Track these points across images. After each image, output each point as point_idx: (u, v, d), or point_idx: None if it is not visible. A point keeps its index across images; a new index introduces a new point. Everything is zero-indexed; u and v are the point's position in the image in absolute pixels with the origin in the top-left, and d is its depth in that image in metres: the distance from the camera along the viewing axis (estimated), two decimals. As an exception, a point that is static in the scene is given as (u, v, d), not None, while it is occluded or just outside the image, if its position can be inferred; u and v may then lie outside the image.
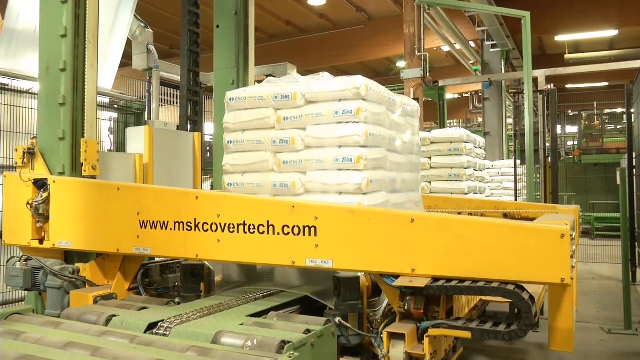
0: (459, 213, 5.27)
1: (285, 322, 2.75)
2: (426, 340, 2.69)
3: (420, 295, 2.77)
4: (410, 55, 11.43)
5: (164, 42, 17.27)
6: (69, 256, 3.79)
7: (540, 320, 5.72)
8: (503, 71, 16.04)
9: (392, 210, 3.00)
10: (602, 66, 13.96)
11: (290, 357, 2.18)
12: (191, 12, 6.29)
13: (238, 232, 3.12)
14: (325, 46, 18.19)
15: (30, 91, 5.51)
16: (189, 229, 3.25)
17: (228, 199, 3.27)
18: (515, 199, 10.21)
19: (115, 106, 6.54)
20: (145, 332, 2.67)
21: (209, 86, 9.98)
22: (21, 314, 2.97)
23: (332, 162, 3.65)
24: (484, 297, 3.66)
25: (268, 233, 3.05)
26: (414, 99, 8.34)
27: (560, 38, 17.22)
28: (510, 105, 17.78)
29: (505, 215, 5.21)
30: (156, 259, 3.97)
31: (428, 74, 11.53)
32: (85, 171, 3.79)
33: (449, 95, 21.25)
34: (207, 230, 3.20)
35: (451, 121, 27.07)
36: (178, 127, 6.26)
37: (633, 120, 9.05)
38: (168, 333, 2.61)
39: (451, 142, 7.94)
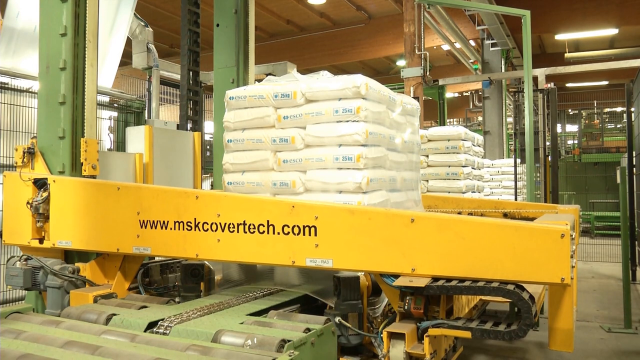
0: (459, 213, 5.27)
1: (285, 320, 2.76)
2: (426, 340, 2.69)
3: (420, 295, 2.77)
4: (410, 54, 11.41)
5: (163, 40, 17.27)
6: (69, 256, 3.79)
7: (540, 319, 5.73)
8: (503, 70, 16.03)
9: (392, 210, 3.00)
10: (602, 65, 13.94)
11: (290, 355, 2.18)
12: (191, 11, 6.28)
13: (238, 231, 3.12)
14: (325, 45, 18.18)
15: (30, 90, 5.51)
16: (189, 228, 3.25)
17: (228, 198, 3.27)
18: (515, 198, 10.22)
19: (115, 105, 6.54)
20: (145, 330, 2.67)
21: (209, 85, 9.98)
22: (21, 312, 2.97)
23: (332, 160, 3.65)
24: (484, 297, 3.67)
25: (268, 233, 3.05)
26: (414, 97, 8.34)
27: (560, 37, 17.21)
28: (510, 104, 17.79)
29: (505, 215, 5.21)
30: (156, 259, 3.97)
31: (428, 73, 11.51)
32: (85, 171, 3.79)
33: (449, 94, 21.26)
34: (207, 230, 3.20)
35: (451, 120, 27.08)
36: (178, 126, 6.26)
37: (633, 119, 9.05)
38: (168, 332, 2.62)
39: (449, 140, 7.80)
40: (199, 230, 3.23)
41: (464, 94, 24.44)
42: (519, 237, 2.60)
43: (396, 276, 2.82)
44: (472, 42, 16.69)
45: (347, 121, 3.64)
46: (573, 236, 2.66)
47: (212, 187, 6.43)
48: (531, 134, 8.12)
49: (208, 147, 12.09)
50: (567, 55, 16.96)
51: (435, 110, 16.30)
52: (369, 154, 3.62)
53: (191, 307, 3.01)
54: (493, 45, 16.04)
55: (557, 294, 2.66)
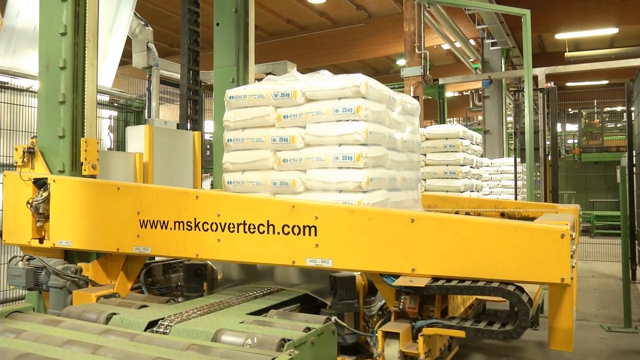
0: (456, 212, 5.27)
1: (285, 320, 2.76)
2: (420, 339, 2.70)
3: (415, 295, 2.78)
4: (411, 54, 11.41)
5: (163, 40, 17.26)
6: (69, 255, 3.79)
7: (540, 318, 5.73)
8: (503, 69, 16.02)
9: (392, 210, 3.00)
10: (602, 64, 13.93)
11: (290, 355, 2.18)
12: (191, 10, 6.28)
13: (238, 231, 3.12)
14: (325, 44, 18.17)
15: (30, 89, 5.50)
16: (189, 228, 3.25)
17: (228, 198, 3.27)
18: (515, 198, 10.21)
19: (115, 104, 6.54)
20: (145, 330, 2.68)
21: (209, 84, 9.98)
22: (21, 312, 2.97)
23: (332, 160, 3.65)
24: (483, 297, 3.67)
25: (268, 233, 3.05)
26: (414, 97, 8.31)
27: (561, 36, 17.20)
28: (510, 104, 17.79)
29: (503, 215, 5.20)
30: (156, 258, 3.97)
31: (428, 72, 11.51)
32: (85, 170, 3.79)
33: (449, 94, 21.26)
34: (207, 229, 3.20)
35: (451, 119, 27.06)
36: (178, 126, 6.26)
37: (633, 119, 9.04)
38: (168, 331, 2.62)
39: (447, 139, 7.70)
40: (199, 230, 3.23)
41: (464, 93, 24.44)
42: (519, 237, 2.60)
43: (396, 276, 2.83)
44: (472, 42, 16.69)
45: (347, 120, 3.64)
46: (573, 236, 2.66)
47: (212, 186, 6.43)
48: (531, 133, 8.12)
49: (208, 146, 12.09)
50: (567, 54, 16.96)
51: (435, 110, 16.30)
52: (369, 153, 3.62)
53: (191, 307, 3.01)
54: (493, 44, 16.04)
55: (557, 293, 2.66)
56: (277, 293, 3.44)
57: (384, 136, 3.87)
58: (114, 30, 6.53)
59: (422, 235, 2.77)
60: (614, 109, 24.43)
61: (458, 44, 15.51)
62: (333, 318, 2.92)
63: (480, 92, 17.65)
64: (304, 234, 2.97)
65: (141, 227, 3.40)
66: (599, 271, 9.63)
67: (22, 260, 3.64)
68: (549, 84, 11.50)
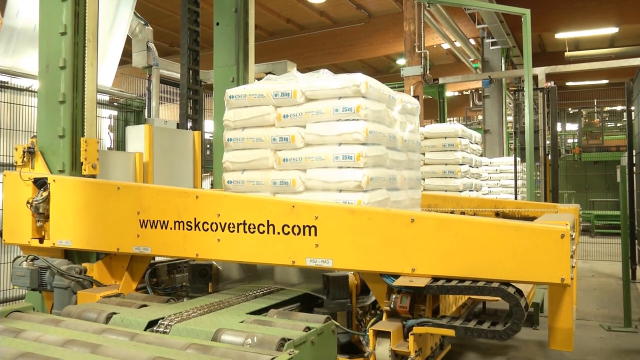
0: (452, 212, 5.26)
1: (285, 319, 2.76)
2: (411, 338, 2.72)
3: (407, 294, 2.79)
4: (411, 53, 11.41)
5: (163, 39, 17.25)
6: (69, 255, 3.79)
7: (540, 318, 5.73)
8: (503, 69, 16.02)
9: (392, 210, 3.00)
10: (602, 64, 13.93)
11: (290, 354, 2.18)
12: (191, 9, 6.28)
13: (238, 231, 3.12)
14: (325, 44, 18.16)
15: (30, 89, 5.50)
16: (189, 228, 3.26)
17: (228, 198, 3.27)
18: (515, 197, 10.21)
19: (115, 104, 6.54)
20: (145, 329, 2.67)
21: (209, 84, 9.96)
22: (21, 311, 2.97)
23: (332, 159, 3.65)
24: (480, 297, 3.68)
25: (268, 232, 3.05)
26: (414, 96, 8.30)
27: (561, 35, 17.20)
28: (510, 103, 17.79)
29: (497, 215, 5.20)
30: (162, 259, 3.97)
31: (428, 72, 11.51)
32: (85, 170, 3.79)
33: (449, 93, 21.26)
34: (207, 229, 3.20)
35: (451, 119, 27.06)
36: (178, 125, 6.26)
37: (633, 118, 9.04)
38: (168, 331, 2.62)
39: (445, 138, 7.65)
40: (199, 230, 3.23)
41: (464, 92, 24.44)
42: (519, 237, 2.60)
43: (396, 276, 2.83)
44: (472, 41, 16.69)
45: (347, 120, 3.64)
46: (573, 236, 2.66)
47: (212, 186, 6.44)
48: (531, 132, 8.12)
49: (208, 146, 12.09)
50: (567, 54, 16.96)
51: (435, 109, 16.30)
52: (369, 152, 3.62)
53: (191, 306, 3.01)
54: (493, 44, 16.03)
55: (557, 293, 2.67)
56: (277, 292, 3.44)
57: (384, 135, 3.87)
58: (113, 29, 6.53)
59: (422, 235, 2.78)
60: (614, 108, 24.42)
61: (458, 44, 15.51)
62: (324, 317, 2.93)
63: (480, 92, 17.65)
64: (304, 234, 2.97)
65: (141, 226, 3.40)
66: (599, 271, 9.63)
67: (26, 261, 3.64)
68: (549, 84, 11.50)
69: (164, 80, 10.04)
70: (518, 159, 10.72)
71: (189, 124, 6.29)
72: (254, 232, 3.09)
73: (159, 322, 2.70)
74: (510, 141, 17.07)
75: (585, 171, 17.79)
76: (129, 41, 6.97)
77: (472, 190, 7.91)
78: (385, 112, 3.93)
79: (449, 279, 2.74)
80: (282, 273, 3.75)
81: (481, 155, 9.12)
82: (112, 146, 6.27)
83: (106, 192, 3.57)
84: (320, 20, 17.44)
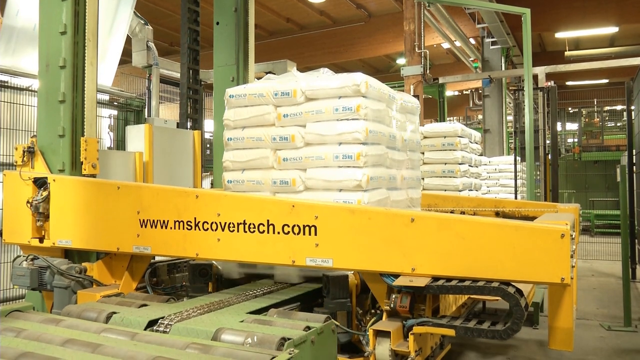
0: (452, 212, 5.26)
1: (286, 319, 2.76)
2: (411, 338, 2.72)
3: (407, 294, 2.79)
4: (411, 53, 11.41)
5: (163, 39, 17.24)
6: (69, 255, 3.79)
7: (540, 317, 5.73)
8: (503, 68, 16.02)
9: (392, 210, 3.00)
10: (602, 63, 13.92)
11: (290, 353, 2.18)
12: (191, 9, 6.28)
13: (238, 231, 3.12)
14: (325, 43, 18.16)
15: (30, 88, 5.50)
16: (189, 228, 3.26)
17: (228, 198, 3.27)
18: (515, 197, 10.21)
19: (115, 103, 6.54)
20: (145, 329, 2.67)
21: (208, 83, 9.97)
22: (21, 311, 2.97)
23: (332, 159, 3.65)
24: (480, 297, 3.68)
25: (268, 232, 3.05)
26: (414, 96, 8.28)
27: (561, 35, 17.19)
28: (510, 103, 17.78)
29: (497, 214, 5.20)
30: (162, 258, 3.97)
31: (428, 71, 11.51)
32: (85, 170, 3.79)
33: (449, 93, 21.25)
34: (207, 229, 3.20)
35: (451, 118, 27.06)
36: (178, 125, 6.26)
37: (633, 118, 9.04)
38: (168, 330, 2.62)
39: (445, 137, 7.65)
40: (199, 229, 3.23)
41: (464, 92, 24.43)
42: (519, 237, 2.60)
43: (396, 276, 2.83)
44: (472, 41, 16.68)
45: (347, 119, 3.64)
46: (573, 236, 2.66)
47: (212, 185, 6.44)
48: (531, 132, 8.11)
49: (208, 145, 12.08)
50: (567, 53, 16.96)
51: (435, 109, 16.29)
52: (369, 152, 3.62)
53: (191, 305, 3.01)
54: (493, 43, 16.03)
55: (557, 293, 2.67)
56: (277, 292, 3.45)
57: (384, 135, 3.87)
58: (113, 29, 6.53)
59: (422, 235, 2.78)
60: (614, 108, 24.43)
61: (458, 43, 15.51)
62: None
63: (480, 91, 17.65)
64: (304, 234, 2.97)
65: (141, 226, 3.40)
66: (599, 270, 9.64)
67: (26, 260, 3.64)
68: (549, 83, 11.50)
69: (164, 80, 10.04)
70: (518, 158, 10.71)
71: (189, 124, 6.29)
72: (254, 231, 3.09)
73: (159, 321, 2.70)
74: (510, 141, 17.06)
75: (585, 171, 17.79)
76: (128, 40, 6.97)
77: (471, 190, 7.90)
78: (385, 112, 3.93)
79: (449, 279, 2.74)
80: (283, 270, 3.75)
81: (481, 155, 9.12)
82: (112, 146, 6.27)
83: (106, 191, 3.56)
84: (320, 19, 17.43)
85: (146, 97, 8.08)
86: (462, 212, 5.32)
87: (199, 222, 3.23)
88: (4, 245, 4.89)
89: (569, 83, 22.14)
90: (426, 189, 7.43)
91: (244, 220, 3.11)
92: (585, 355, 4.84)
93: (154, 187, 3.56)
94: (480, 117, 19.80)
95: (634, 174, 8.89)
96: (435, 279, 2.76)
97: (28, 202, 3.73)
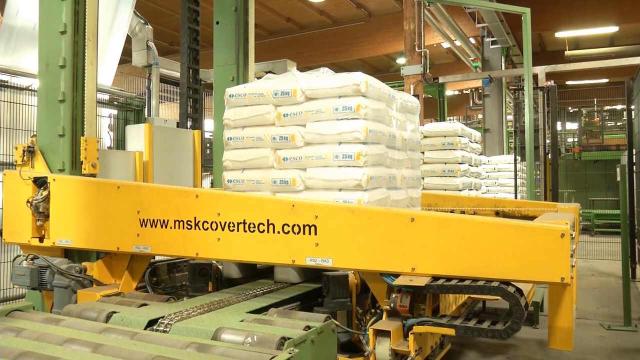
0: (452, 211, 5.26)
1: (286, 318, 2.76)
2: (411, 337, 2.72)
3: (407, 293, 2.79)
4: (411, 52, 11.41)
5: (163, 38, 17.23)
6: (69, 254, 3.79)
7: (540, 317, 5.73)
8: (503, 68, 16.01)
9: (392, 209, 3.00)
10: (602, 63, 13.91)
11: (290, 353, 2.18)
12: (191, 8, 6.28)
13: (238, 230, 3.12)
14: (325, 43, 18.15)
15: (30, 88, 5.50)
16: (189, 227, 3.25)
17: (228, 197, 3.27)
18: (515, 196, 10.20)
19: (115, 103, 6.54)
20: (145, 328, 2.67)
21: (208, 83, 9.97)
22: (21, 310, 2.97)
23: (332, 158, 3.65)
24: (480, 296, 3.68)
25: (268, 232, 3.05)
26: (414, 95, 8.31)
27: (561, 34, 17.19)
28: (510, 102, 17.78)
29: (497, 214, 5.20)
30: (162, 258, 3.97)
31: (428, 71, 11.51)
32: (85, 169, 3.79)
33: (449, 92, 21.25)
34: (207, 228, 3.20)
35: (451, 118, 27.05)
36: (178, 124, 6.26)
37: (633, 117, 9.04)
38: (168, 329, 2.61)
39: (445, 136, 7.64)
40: (199, 229, 3.23)
41: (464, 91, 24.43)
42: (519, 237, 2.60)
43: (396, 275, 2.83)
44: (472, 40, 16.68)
45: (347, 119, 3.64)
46: (573, 235, 2.66)
47: (212, 185, 6.44)
48: (531, 131, 8.11)
49: (208, 145, 12.08)
50: (567, 53, 16.95)
51: (435, 108, 16.29)
52: (369, 151, 3.62)
53: (191, 305, 3.01)
54: (493, 42, 16.03)
55: (557, 293, 2.66)
56: (277, 291, 3.45)
57: (383, 134, 3.87)
58: (113, 28, 6.53)
59: (422, 235, 2.77)
60: (614, 107, 24.42)
61: (458, 43, 15.50)
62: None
63: (480, 91, 17.64)
64: (304, 233, 2.97)
65: (141, 226, 3.40)
66: (599, 270, 9.64)
67: (26, 260, 3.64)
68: (549, 83, 11.50)
69: (164, 79, 10.04)
70: (518, 157, 10.70)
71: (189, 123, 6.29)
72: (254, 231, 3.09)
73: (159, 321, 2.70)
74: (510, 140, 17.06)
75: (585, 170, 17.79)
76: (128, 40, 6.97)
77: (471, 189, 7.90)
78: (385, 111, 3.93)
79: (449, 278, 2.74)
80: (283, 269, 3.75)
81: (481, 154, 9.11)
82: (112, 145, 6.27)
83: (106, 191, 3.56)
84: (320, 19, 17.43)
85: (146, 97, 8.09)
86: (462, 212, 5.32)
87: (199, 221, 3.23)
88: (4, 245, 4.89)
89: (569, 82, 22.14)
90: (426, 189, 7.43)
91: (244, 220, 3.11)
92: (585, 354, 4.84)
93: (154, 187, 3.56)
94: (480, 116, 19.80)
95: (634, 174, 8.89)
96: (435, 278, 2.76)
97: (28, 201, 3.73)
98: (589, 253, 11.03)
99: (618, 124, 23.95)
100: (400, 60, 18.69)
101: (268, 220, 3.06)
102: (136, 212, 3.42)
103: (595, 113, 23.65)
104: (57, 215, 3.69)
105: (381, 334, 2.79)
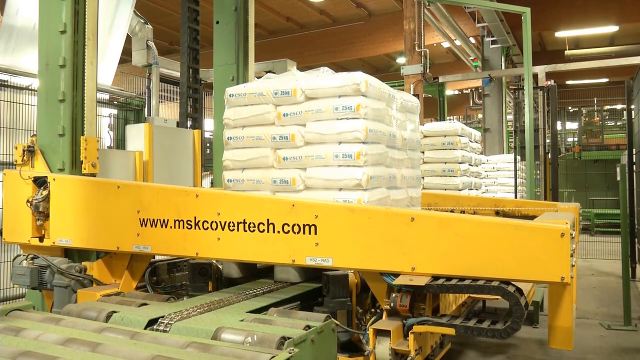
0: (451, 211, 5.26)
1: (286, 318, 2.76)
2: (411, 337, 2.72)
3: (407, 293, 2.79)
4: (411, 52, 11.41)
5: (163, 38, 17.24)
6: (69, 254, 3.79)
7: (540, 316, 5.73)
8: (503, 67, 16.01)
9: (392, 209, 3.00)
10: (602, 62, 13.91)
11: (290, 352, 2.18)
12: (191, 8, 6.28)
13: (238, 230, 3.12)
14: (325, 42, 18.16)
15: (30, 87, 5.50)
16: (189, 227, 3.25)
17: (228, 197, 3.27)
18: (515, 196, 10.19)
19: (115, 103, 6.54)
20: (145, 328, 2.67)
21: (208, 82, 9.97)
22: (21, 310, 2.97)
23: (332, 158, 3.65)
24: (480, 296, 3.68)
25: (268, 231, 3.05)
26: (414, 95, 8.29)
27: (561, 34, 17.19)
28: (510, 102, 17.78)
29: (497, 213, 5.19)
30: (162, 257, 3.97)
31: (428, 70, 11.51)
32: (85, 169, 3.79)
33: (449, 92, 21.25)
34: (207, 228, 3.20)
35: (451, 117, 27.04)
36: (178, 124, 6.26)
37: (633, 117, 9.04)
38: (168, 329, 2.61)
39: (445, 136, 7.64)
40: (199, 228, 3.23)
41: (464, 91, 24.44)
42: (519, 236, 2.60)
43: (396, 275, 2.83)
44: (472, 40, 16.68)
45: (347, 118, 3.64)
46: (573, 235, 2.66)
47: (212, 184, 6.44)
48: (531, 131, 8.11)
49: (208, 144, 12.08)
50: (567, 52, 16.95)
51: (435, 108, 16.29)
52: (369, 151, 3.62)
53: (191, 305, 3.01)
54: (493, 42, 16.03)
55: (557, 292, 2.66)
56: (277, 291, 3.45)
57: (383, 134, 3.87)
58: (113, 28, 6.53)
59: (422, 234, 2.77)
60: (614, 107, 24.39)
61: (458, 42, 15.51)
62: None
63: (480, 90, 17.64)
64: (304, 233, 2.97)
65: (141, 225, 3.40)
66: (599, 269, 9.64)
67: (26, 259, 3.64)
68: (549, 82, 11.50)
69: (164, 79, 10.03)
70: (518, 157, 10.68)
71: (189, 123, 6.29)
72: (254, 230, 3.09)
73: (159, 320, 2.70)
74: (510, 140, 17.07)
75: (585, 170, 17.79)
76: (128, 40, 6.97)
77: (471, 189, 7.90)
78: (385, 111, 3.93)
79: (449, 278, 2.74)
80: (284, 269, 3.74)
81: (481, 154, 9.10)
82: (112, 145, 6.27)
83: (106, 190, 3.56)
84: (320, 18, 17.43)
85: (146, 96, 8.09)
86: (462, 211, 5.32)
87: (199, 221, 3.23)
88: (4, 245, 4.89)
89: (569, 82, 22.14)
90: (426, 188, 7.42)
91: (244, 220, 3.11)
92: (585, 354, 4.84)
93: (153, 186, 3.56)
94: (480, 116, 19.80)
95: (634, 173, 8.89)
96: (435, 278, 2.76)
97: (28, 201, 3.73)
98: (589, 252, 11.03)
99: (618, 123, 23.92)
100: (400, 60, 18.69)
101: (268, 219, 3.06)
102: (136, 211, 3.42)
103: (595, 112, 23.64)
104: (57, 214, 3.69)
105: (381, 333, 2.79)
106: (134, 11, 6.71)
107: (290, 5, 16.37)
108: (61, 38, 3.83)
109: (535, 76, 12.50)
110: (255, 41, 5.98)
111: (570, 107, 24.04)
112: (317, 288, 3.47)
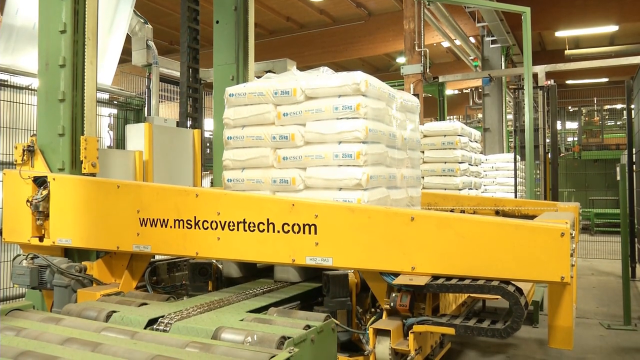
0: (451, 210, 5.26)
1: (285, 317, 2.76)
2: (411, 336, 2.72)
3: (407, 292, 2.79)
4: (410, 51, 11.41)
5: (163, 38, 17.23)
6: (69, 254, 3.79)
7: (540, 316, 5.74)
8: (503, 67, 16.00)
9: (392, 209, 3.00)
10: (602, 62, 13.91)
11: (290, 352, 2.18)
12: (191, 8, 6.28)
13: (238, 230, 3.12)
14: (325, 42, 18.16)
15: (30, 87, 5.50)
16: (189, 226, 3.25)
17: (228, 196, 3.27)
18: (515, 196, 10.19)
19: (115, 102, 6.54)
20: (145, 328, 2.67)
21: (208, 82, 9.96)
22: (21, 310, 2.97)
23: (332, 158, 3.65)
24: (480, 295, 3.68)
25: (268, 231, 3.05)
26: (414, 94, 8.30)
27: (561, 34, 17.18)
28: (510, 101, 17.78)
29: (497, 213, 5.20)
30: (162, 257, 3.97)
31: (428, 70, 11.51)
32: (85, 169, 3.79)
33: (449, 91, 21.24)
34: (207, 228, 3.20)
35: (451, 117, 27.04)
36: (178, 124, 6.26)
37: (633, 116, 9.04)
38: (168, 329, 2.62)
39: (445, 136, 7.63)
40: (199, 228, 3.23)
41: (464, 91, 24.43)
42: (519, 236, 2.60)
43: (396, 274, 2.83)
44: (472, 39, 16.67)
45: (347, 118, 3.64)
46: (573, 234, 2.66)
47: (212, 184, 6.44)
48: (531, 131, 8.11)
49: (208, 144, 12.08)
50: (567, 52, 16.94)
51: (435, 107, 16.28)
52: (368, 150, 3.62)
53: (191, 304, 3.01)
54: (493, 42, 16.02)
55: (557, 292, 2.67)
56: (276, 291, 3.45)
57: (383, 134, 3.87)
58: (113, 28, 6.53)
59: (422, 234, 2.77)
60: (614, 106, 24.42)
61: (458, 42, 15.51)
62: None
63: (480, 90, 17.65)
64: (304, 233, 2.97)
65: (141, 225, 3.40)
66: (599, 269, 9.64)
67: (26, 259, 3.64)
68: (549, 82, 11.50)
69: (164, 79, 10.04)
70: (518, 157, 10.67)
71: (189, 123, 6.29)
72: (254, 230, 3.09)
73: (159, 320, 2.70)
74: (510, 139, 17.06)
75: (585, 169, 17.81)
76: (128, 39, 6.97)
77: (471, 189, 7.90)
78: (385, 111, 3.93)
79: (448, 278, 2.74)
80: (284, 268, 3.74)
81: (481, 153, 9.09)
82: (112, 144, 6.27)
83: (106, 190, 3.56)
84: (320, 18, 17.42)
85: (146, 96, 8.09)
86: (462, 211, 5.32)
87: (198, 221, 3.23)
88: (4, 244, 4.89)
89: (568, 82, 22.15)
90: (426, 188, 7.41)
91: (244, 219, 3.11)
92: (585, 353, 4.84)
93: (153, 186, 3.56)
94: (480, 115, 19.81)
95: (634, 173, 8.89)
96: (435, 277, 2.76)
97: (28, 201, 3.73)
98: (588, 252, 11.03)
99: (618, 123, 23.95)
100: (400, 60, 18.68)
101: (268, 219, 3.06)
102: (136, 211, 3.42)
103: (595, 112, 23.66)
104: (57, 214, 3.69)
105: (381, 333, 2.79)
106: (133, 11, 6.71)
107: (290, 5, 16.37)
108: (61, 38, 3.83)
109: (535, 76, 12.50)
110: (255, 41, 5.98)
111: (570, 107, 24.06)
112: (317, 288, 3.47)
